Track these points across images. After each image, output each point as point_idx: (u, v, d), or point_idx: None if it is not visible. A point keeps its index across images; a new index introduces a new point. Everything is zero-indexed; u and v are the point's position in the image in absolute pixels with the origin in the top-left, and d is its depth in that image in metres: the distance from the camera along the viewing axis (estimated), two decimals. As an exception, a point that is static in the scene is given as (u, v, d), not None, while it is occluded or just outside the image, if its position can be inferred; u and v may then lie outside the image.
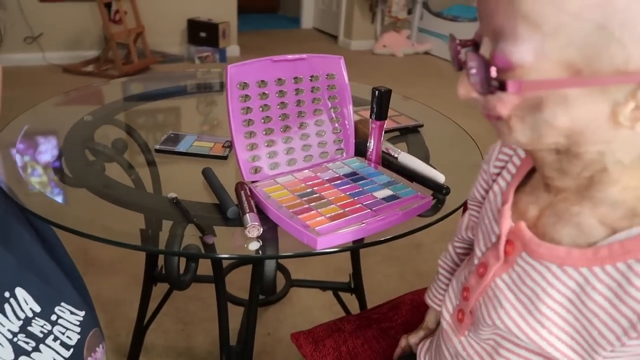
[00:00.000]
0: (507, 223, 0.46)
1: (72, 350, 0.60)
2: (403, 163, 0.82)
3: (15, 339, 0.55)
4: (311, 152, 0.80)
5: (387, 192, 0.73)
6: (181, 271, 0.76)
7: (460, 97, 0.39)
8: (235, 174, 0.78)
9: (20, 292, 0.57)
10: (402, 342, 0.71)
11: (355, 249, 1.09)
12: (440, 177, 0.77)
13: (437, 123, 1.07)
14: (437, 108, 1.13)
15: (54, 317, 0.60)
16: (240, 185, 0.71)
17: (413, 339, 0.69)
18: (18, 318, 0.56)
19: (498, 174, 0.51)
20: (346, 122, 0.82)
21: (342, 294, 1.37)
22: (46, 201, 0.72)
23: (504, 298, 0.45)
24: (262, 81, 0.74)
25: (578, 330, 0.41)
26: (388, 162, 0.82)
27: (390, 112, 0.82)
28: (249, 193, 0.69)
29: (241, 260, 1.49)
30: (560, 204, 0.42)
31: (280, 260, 1.41)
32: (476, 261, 0.50)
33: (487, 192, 0.54)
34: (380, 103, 0.77)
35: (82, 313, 0.64)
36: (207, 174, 0.76)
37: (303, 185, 0.74)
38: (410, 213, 0.69)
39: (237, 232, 0.66)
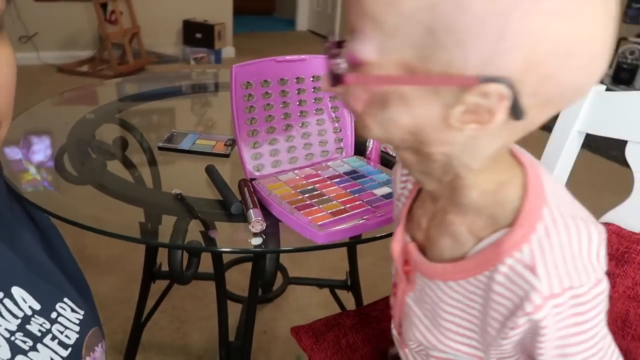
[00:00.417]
0: (397, 246, 0.48)
1: (70, 349, 0.59)
2: (401, 162, 0.83)
3: (12, 338, 0.54)
4: (312, 150, 0.82)
5: (386, 190, 0.75)
6: (183, 266, 0.77)
7: (322, 89, 0.41)
8: (237, 172, 0.79)
9: (17, 290, 0.57)
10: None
11: (356, 244, 1.11)
12: (437, 176, 0.79)
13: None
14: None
15: (54, 315, 0.59)
16: (243, 182, 0.73)
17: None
18: (15, 317, 0.55)
19: (401, 194, 0.52)
20: (346, 121, 0.84)
21: (338, 292, 1.39)
22: (48, 197, 0.73)
23: (414, 314, 0.48)
24: (265, 81, 0.75)
25: (475, 331, 0.44)
26: (387, 161, 0.84)
27: (389, 112, 0.83)
28: (252, 189, 0.71)
29: (242, 257, 1.50)
30: (439, 213, 0.44)
31: (279, 257, 1.42)
32: (393, 280, 0.53)
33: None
34: (380, 103, 0.79)
35: (82, 311, 0.64)
36: (211, 171, 0.77)
37: (304, 182, 0.76)
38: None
39: (239, 228, 0.67)
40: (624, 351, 0.59)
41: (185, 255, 0.73)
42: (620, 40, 3.78)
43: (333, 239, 0.64)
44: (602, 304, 0.38)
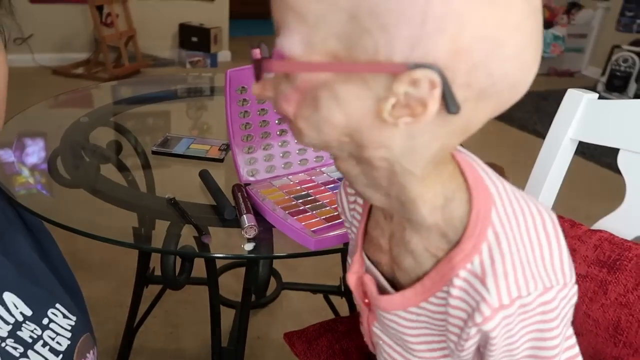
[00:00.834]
0: (352, 277, 0.47)
1: (61, 356, 0.59)
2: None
3: (3, 344, 0.54)
4: (306, 156, 0.82)
5: (380, 196, 0.75)
6: (176, 271, 0.77)
7: (255, 95, 0.39)
8: (231, 177, 0.79)
9: (8, 296, 0.56)
10: None
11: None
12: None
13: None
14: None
15: (45, 321, 0.59)
16: (237, 187, 0.73)
17: None
18: (7, 323, 0.55)
19: (352, 220, 0.51)
20: (340, 127, 0.84)
21: (332, 298, 1.38)
22: (41, 200, 0.72)
23: (384, 343, 0.48)
24: (260, 86, 0.75)
25: (442, 349, 0.44)
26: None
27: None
28: (245, 195, 0.71)
29: (235, 262, 1.50)
30: (397, 230, 0.42)
31: (272, 263, 1.42)
32: (357, 309, 0.52)
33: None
34: (374, 109, 0.80)
35: (74, 318, 0.63)
36: (205, 176, 0.77)
37: (298, 187, 0.76)
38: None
39: (233, 233, 0.67)
40: (615, 358, 0.59)
41: (178, 260, 0.72)
42: (614, 47, 3.82)
43: (326, 245, 0.64)
44: (552, 312, 0.37)
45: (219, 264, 1.48)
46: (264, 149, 0.77)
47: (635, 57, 3.64)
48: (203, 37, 3.82)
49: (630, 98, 3.38)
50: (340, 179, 0.79)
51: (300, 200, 0.72)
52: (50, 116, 1.07)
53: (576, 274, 0.40)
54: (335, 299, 1.38)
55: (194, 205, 0.72)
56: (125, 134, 1.01)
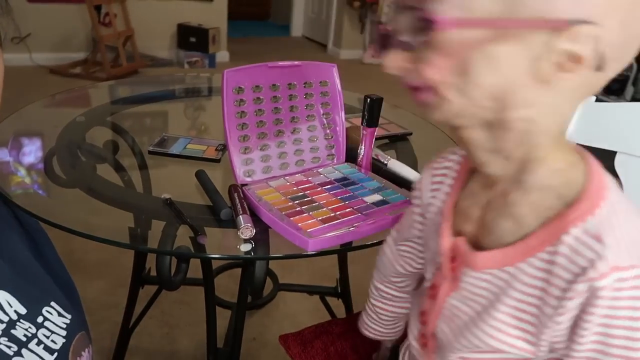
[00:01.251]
0: (446, 241, 0.47)
1: (56, 354, 0.59)
2: (392, 169, 0.84)
3: None
4: (303, 156, 0.81)
5: (377, 197, 0.74)
6: (171, 272, 0.77)
7: (389, 69, 0.39)
8: (227, 177, 0.79)
9: (2, 294, 0.56)
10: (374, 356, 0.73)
11: (345, 251, 1.11)
12: (428, 184, 0.79)
13: (425, 131, 1.10)
14: (425, 117, 1.15)
15: (40, 319, 0.59)
16: (233, 188, 0.72)
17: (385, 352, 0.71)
18: (0, 322, 0.55)
19: (435, 197, 0.52)
20: (338, 128, 0.84)
21: (328, 299, 1.38)
22: (37, 200, 0.72)
23: (462, 314, 0.47)
24: (257, 86, 0.75)
25: (530, 322, 0.43)
26: (378, 168, 0.84)
27: (380, 120, 0.84)
28: (242, 195, 0.71)
29: (232, 262, 1.49)
30: (498, 198, 0.43)
31: (269, 264, 1.42)
32: (427, 284, 0.51)
33: (422, 224, 0.55)
34: (372, 110, 0.79)
35: (70, 316, 0.63)
36: (201, 176, 0.77)
37: (295, 188, 0.76)
38: (400, 217, 0.71)
39: (229, 234, 0.67)
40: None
41: (174, 260, 0.72)
42: (611, 51, 3.82)
43: (323, 247, 0.64)
44: None
45: (216, 264, 1.48)
46: (260, 149, 0.77)
47: (633, 61, 3.65)
48: (201, 37, 3.82)
49: (627, 101, 3.39)
50: (337, 181, 0.79)
51: (297, 201, 0.72)
52: (46, 115, 1.07)
53: None
54: (331, 300, 1.38)
55: (190, 205, 0.72)
56: (122, 133, 1.01)
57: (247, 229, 0.64)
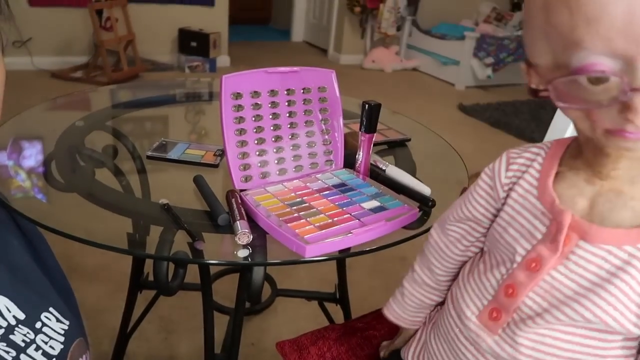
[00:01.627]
0: (567, 217, 0.48)
1: None
2: (390, 176, 0.84)
3: None
4: (301, 162, 0.81)
5: (374, 203, 0.74)
6: (169, 277, 0.77)
7: None
8: (225, 182, 0.79)
9: (1, 300, 0.56)
10: (382, 352, 0.72)
11: (343, 257, 1.11)
12: (426, 190, 0.79)
13: (424, 138, 1.10)
14: (424, 123, 1.16)
15: (38, 325, 0.59)
16: (231, 193, 0.72)
17: (400, 343, 0.71)
18: None
19: (515, 183, 0.54)
20: (336, 134, 0.84)
21: (327, 305, 1.38)
22: (35, 205, 0.72)
23: (566, 287, 0.48)
24: (256, 92, 0.75)
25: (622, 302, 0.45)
26: (376, 175, 0.84)
27: (378, 126, 0.84)
28: (239, 201, 0.71)
29: (230, 268, 1.49)
30: (611, 192, 0.47)
31: (267, 269, 1.42)
32: (519, 258, 0.52)
33: (490, 206, 0.57)
34: (370, 116, 0.80)
35: (68, 322, 0.63)
36: (199, 181, 0.77)
37: (293, 194, 0.76)
38: (398, 224, 0.71)
39: (226, 239, 0.67)
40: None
41: (172, 266, 0.72)
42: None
43: (320, 253, 0.64)
44: None
45: (214, 269, 1.48)
46: (258, 155, 0.77)
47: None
48: (202, 42, 3.83)
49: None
50: (335, 187, 0.79)
51: (295, 207, 0.72)
52: (46, 119, 1.07)
53: None
54: (330, 306, 1.38)
55: (187, 210, 0.72)
56: (122, 138, 1.01)
57: (244, 235, 0.64)
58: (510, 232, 0.54)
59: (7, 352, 0.54)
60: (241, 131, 0.75)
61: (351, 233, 0.66)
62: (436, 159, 1.03)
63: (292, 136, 0.80)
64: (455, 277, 0.64)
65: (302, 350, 0.74)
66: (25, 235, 0.69)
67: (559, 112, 0.77)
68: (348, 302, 1.34)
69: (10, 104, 0.55)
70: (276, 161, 0.79)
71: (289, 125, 0.80)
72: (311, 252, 0.63)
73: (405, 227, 0.72)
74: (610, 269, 0.46)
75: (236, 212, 0.67)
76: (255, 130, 0.76)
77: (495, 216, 0.56)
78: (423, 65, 4.72)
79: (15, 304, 0.57)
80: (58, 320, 0.61)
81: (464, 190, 0.82)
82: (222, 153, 0.90)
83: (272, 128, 0.78)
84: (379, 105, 0.80)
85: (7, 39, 0.60)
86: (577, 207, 0.49)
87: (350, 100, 1.18)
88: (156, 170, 0.87)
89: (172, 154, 0.89)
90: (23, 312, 0.57)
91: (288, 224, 0.67)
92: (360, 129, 0.81)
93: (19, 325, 0.56)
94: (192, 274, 0.95)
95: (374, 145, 0.84)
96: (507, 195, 0.55)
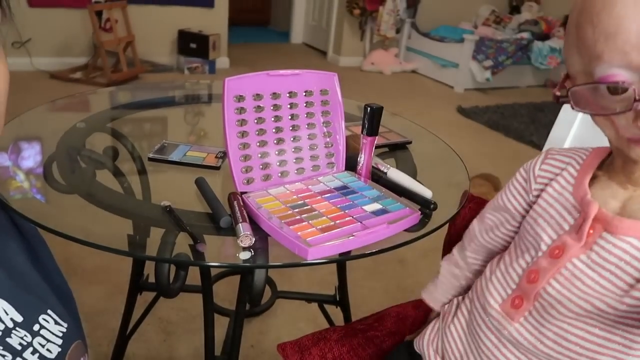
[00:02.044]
0: (594, 208, 0.50)
1: None
2: (392, 178, 0.84)
3: None
4: (303, 165, 0.81)
5: (376, 206, 0.74)
6: (170, 280, 0.77)
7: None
8: (227, 185, 0.79)
9: None
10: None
11: (345, 260, 1.11)
12: (427, 193, 0.79)
13: (424, 140, 1.10)
14: (423, 126, 1.16)
15: (36, 327, 0.58)
16: (233, 195, 0.72)
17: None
18: None
19: (552, 179, 0.57)
20: (338, 136, 0.84)
21: (327, 307, 1.38)
22: (35, 206, 0.72)
23: (586, 277, 0.50)
24: (258, 94, 0.75)
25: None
26: (377, 177, 0.84)
27: (379, 129, 0.84)
28: (241, 203, 0.71)
29: (232, 270, 1.49)
30: (638, 196, 0.49)
31: (267, 272, 1.42)
32: (544, 247, 0.54)
33: (522, 198, 0.60)
34: (372, 119, 0.80)
35: (66, 324, 0.62)
36: (201, 184, 0.77)
37: (295, 197, 0.76)
38: (399, 226, 0.71)
39: (228, 242, 0.67)
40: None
41: (173, 268, 0.72)
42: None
43: (322, 255, 0.64)
44: None
45: (214, 271, 1.47)
46: (260, 157, 0.77)
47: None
48: (202, 43, 3.83)
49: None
50: (337, 189, 0.79)
51: (297, 210, 0.72)
52: (46, 121, 1.07)
53: None
54: (330, 308, 1.38)
55: (189, 213, 0.72)
56: (122, 139, 1.01)
57: (246, 237, 0.64)
58: (539, 223, 0.56)
59: (4, 356, 0.54)
60: (243, 133, 0.75)
61: (353, 236, 0.66)
62: (437, 161, 1.03)
63: (294, 139, 0.80)
64: (481, 267, 0.68)
65: (303, 351, 0.74)
66: (25, 238, 0.69)
67: (559, 120, 0.77)
68: (348, 304, 1.34)
69: (9, 104, 0.55)
70: (278, 163, 0.79)
71: (291, 128, 0.80)
72: (313, 255, 0.63)
73: (406, 230, 0.72)
74: (630, 260, 0.47)
75: (238, 214, 0.67)
76: (257, 133, 0.76)
77: (527, 211, 0.59)
78: (422, 68, 4.73)
79: (13, 306, 0.56)
80: (56, 322, 0.61)
81: (465, 193, 0.82)
82: (223, 155, 0.90)
83: (274, 130, 0.78)
84: (381, 108, 0.80)
85: (7, 38, 0.60)
86: (608, 206, 0.50)
87: (351, 102, 1.18)
88: (157, 172, 0.87)
89: (174, 156, 0.89)
90: (20, 314, 0.57)
91: (290, 227, 0.67)
92: (362, 132, 0.81)
93: (16, 328, 0.56)
94: (192, 275, 0.95)
95: (375, 147, 0.84)
96: (542, 189, 0.57)
